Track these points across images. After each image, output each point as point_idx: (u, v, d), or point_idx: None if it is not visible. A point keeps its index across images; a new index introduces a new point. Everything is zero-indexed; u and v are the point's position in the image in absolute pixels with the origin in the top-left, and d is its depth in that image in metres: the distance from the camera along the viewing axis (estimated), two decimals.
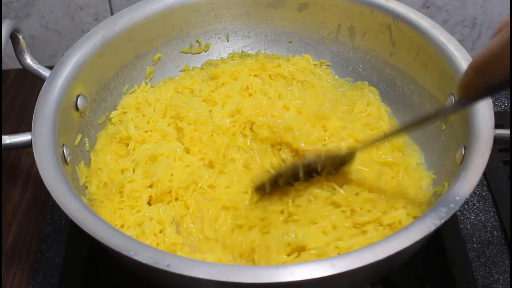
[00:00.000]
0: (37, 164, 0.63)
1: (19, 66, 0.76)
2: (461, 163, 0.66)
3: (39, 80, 0.75)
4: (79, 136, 0.77)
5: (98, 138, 0.81)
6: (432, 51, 0.78)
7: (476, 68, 0.50)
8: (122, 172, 0.76)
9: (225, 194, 0.74)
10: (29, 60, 0.76)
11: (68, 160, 0.71)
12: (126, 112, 0.83)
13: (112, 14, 1.06)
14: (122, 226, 0.69)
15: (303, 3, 0.89)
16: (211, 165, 0.77)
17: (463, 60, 0.74)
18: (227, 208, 0.73)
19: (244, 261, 0.68)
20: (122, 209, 0.71)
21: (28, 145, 0.66)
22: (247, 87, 0.86)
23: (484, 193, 0.87)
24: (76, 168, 0.75)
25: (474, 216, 0.84)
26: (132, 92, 0.86)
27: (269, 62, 0.89)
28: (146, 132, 0.80)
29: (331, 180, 0.72)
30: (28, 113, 1.02)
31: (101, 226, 0.57)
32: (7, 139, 0.67)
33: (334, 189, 0.71)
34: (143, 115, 0.82)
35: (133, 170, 0.75)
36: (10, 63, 1.09)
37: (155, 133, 0.80)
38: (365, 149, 0.72)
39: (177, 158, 0.76)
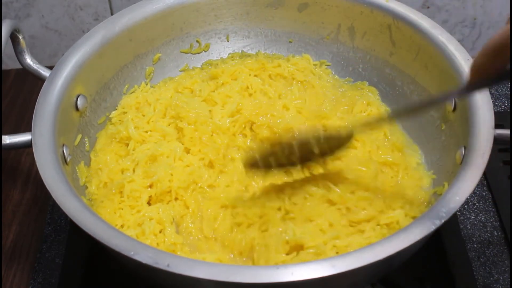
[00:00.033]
0: (37, 164, 0.63)
1: (19, 66, 0.76)
2: (461, 163, 0.66)
3: (39, 80, 0.75)
4: (79, 136, 0.77)
5: (98, 138, 0.81)
6: (432, 51, 0.78)
7: (489, 51, 0.49)
8: (122, 172, 0.76)
9: (224, 193, 0.74)
10: (29, 60, 0.76)
11: (68, 160, 0.71)
12: (126, 112, 0.83)
13: (112, 14, 1.06)
14: (122, 226, 0.69)
15: (303, 3, 0.89)
16: (211, 165, 0.77)
17: (463, 60, 0.74)
18: (225, 206, 0.73)
19: (244, 259, 0.68)
20: (122, 209, 0.71)
21: (28, 145, 0.66)
22: (247, 87, 0.86)
23: (484, 193, 0.87)
24: (76, 168, 0.75)
25: (474, 216, 0.84)
26: (132, 92, 0.86)
27: (269, 62, 0.89)
28: (146, 132, 0.80)
29: (327, 178, 0.73)
30: (28, 113, 1.02)
31: (101, 226, 0.57)
32: (7, 139, 0.67)
33: (330, 187, 0.71)
34: (143, 115, 0.82)
35: (133, 170, 0.75)
36: (10, 63, 1.09)
37: (155, 133, 0.80)
38: (362, 130, 0.71)
39: (177, 158, 0.76)
